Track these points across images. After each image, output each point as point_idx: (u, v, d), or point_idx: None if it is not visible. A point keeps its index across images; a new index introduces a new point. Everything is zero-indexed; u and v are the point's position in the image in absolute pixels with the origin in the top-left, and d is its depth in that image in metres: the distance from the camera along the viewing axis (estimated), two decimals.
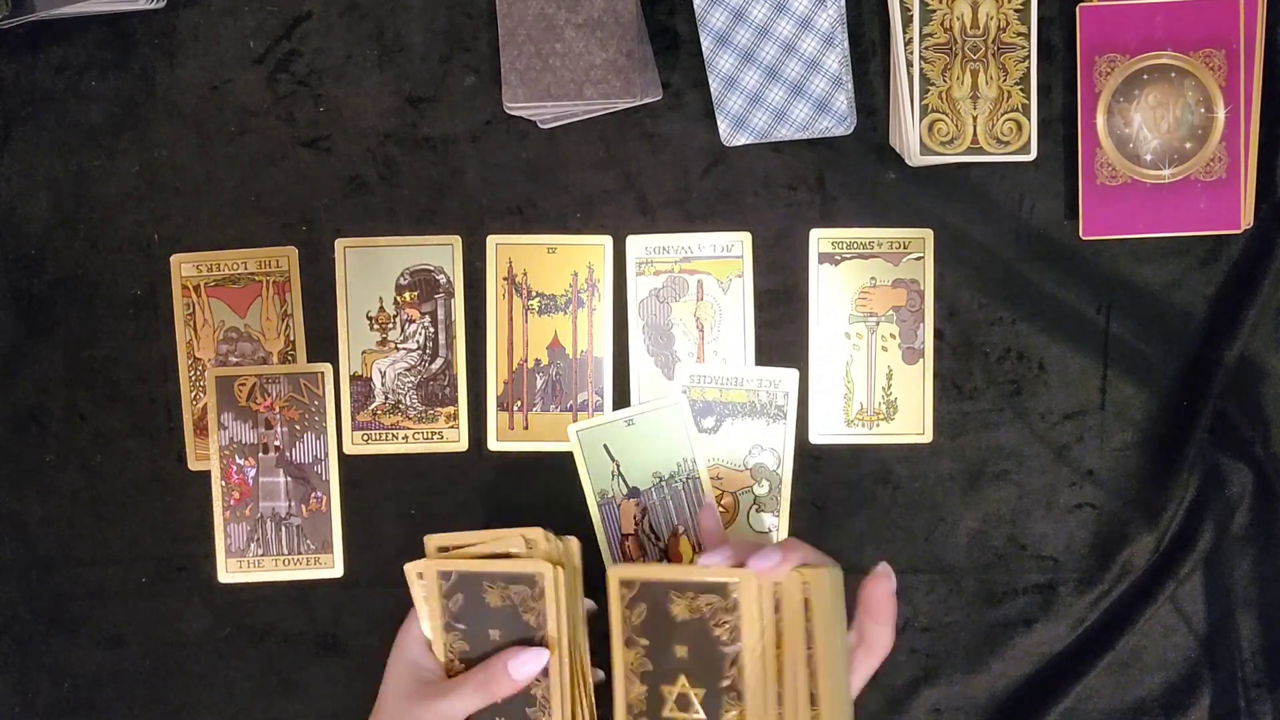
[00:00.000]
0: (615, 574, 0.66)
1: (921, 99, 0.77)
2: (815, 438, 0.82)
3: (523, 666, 0.69)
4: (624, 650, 0.67)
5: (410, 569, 0.72)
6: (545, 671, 0.69)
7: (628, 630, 0.66)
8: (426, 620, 0.72)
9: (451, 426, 0.83)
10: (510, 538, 0.71)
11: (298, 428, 0.82)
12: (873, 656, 0.67)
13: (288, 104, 0.82)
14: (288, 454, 0.83)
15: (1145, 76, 0.78)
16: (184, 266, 0.83)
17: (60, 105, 0.82)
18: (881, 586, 0.66)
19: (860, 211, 0.81)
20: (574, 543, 0.72)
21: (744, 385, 0.82)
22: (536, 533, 0.71)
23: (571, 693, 0.70)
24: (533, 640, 0.70)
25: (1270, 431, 0.81)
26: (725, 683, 0.64)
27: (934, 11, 0.77)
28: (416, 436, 0.83)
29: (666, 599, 0.65)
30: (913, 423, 0.82)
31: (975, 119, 0.78)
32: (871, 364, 0.82)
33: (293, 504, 0.83)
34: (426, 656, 0.72)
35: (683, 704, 0.65)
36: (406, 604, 0.74)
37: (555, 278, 0.82)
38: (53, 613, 0.84)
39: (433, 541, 0.72)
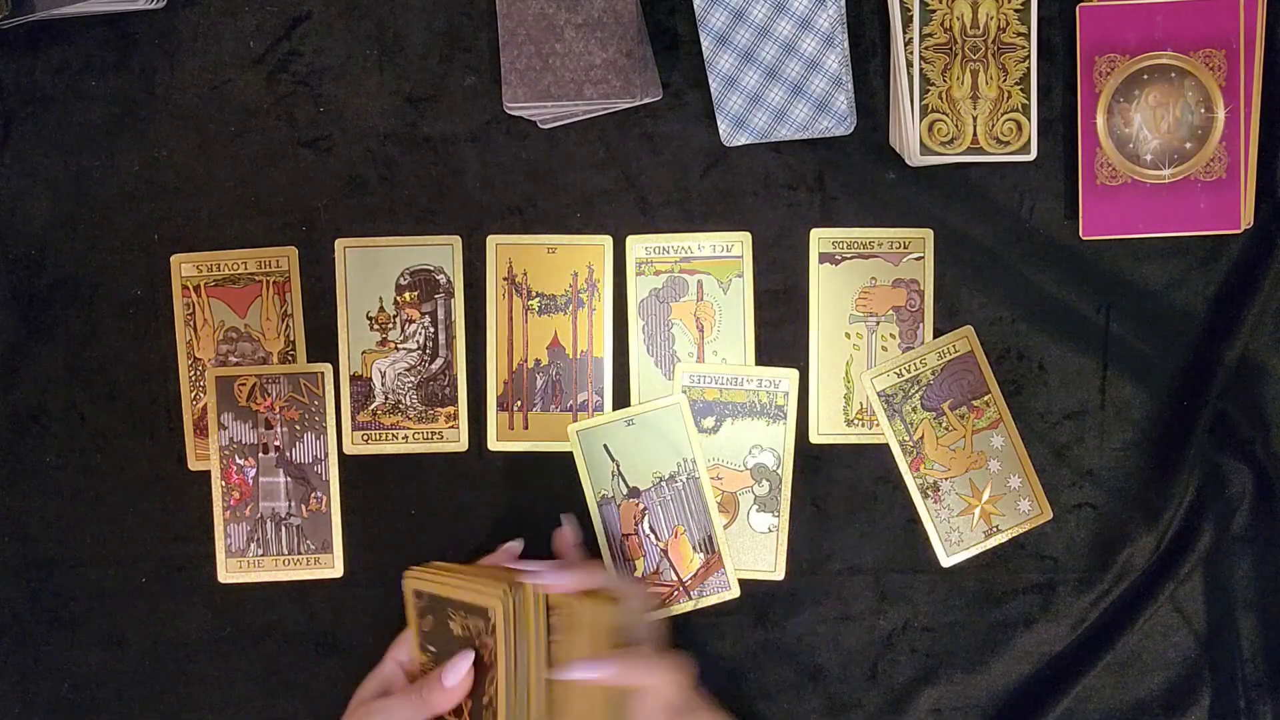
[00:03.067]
0: (409, 584, 0.73)
1: (921, 99, 0.78)
2: (815, 438, 0.82)
3: (451, 674, 0.70)
4: (419, 653, 0.73)
5: (408, 583, 0.74)
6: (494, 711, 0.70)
7: (420, 636, 0.73)
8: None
9: (451, 426, 0.83)
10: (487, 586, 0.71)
11: (298, 428, 0.82)
12: (652, 696, 0.71)
13: (288, 104, 0.82)
14: (288, 454, 0.83)
15: (1145, 76, 0.78)
16: (184, 266, 0.83)
17: (60, 105, 0.82)
18: (598, 676, 0.70)
19: (860, 211, 0.82)
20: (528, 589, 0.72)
21: (744, 385, 0.82)
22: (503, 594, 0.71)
23: None
24: (485, 675, 0.71)
25: (1270, 431, 0.81)
26: (485, 699, 0.70)
27: (934, 11, 0.77)
28: (416, 436, 0.83)
29: (446, 615, 0.71)
30: None
31: (975, 119, 0.78)
32: (871, 364, 0.82)
33: (293, 504, 0.83)
34: (397, 675, 0.75)
35: (456, 712, 0.72)
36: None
37: (555, 278, 0.82)
38: (53, 613, 0.84)
39: (410, 584, 0.74)
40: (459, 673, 0.70)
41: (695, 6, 0.78)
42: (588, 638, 0.69)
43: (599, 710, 0.69)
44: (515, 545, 0.79)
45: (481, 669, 0.70)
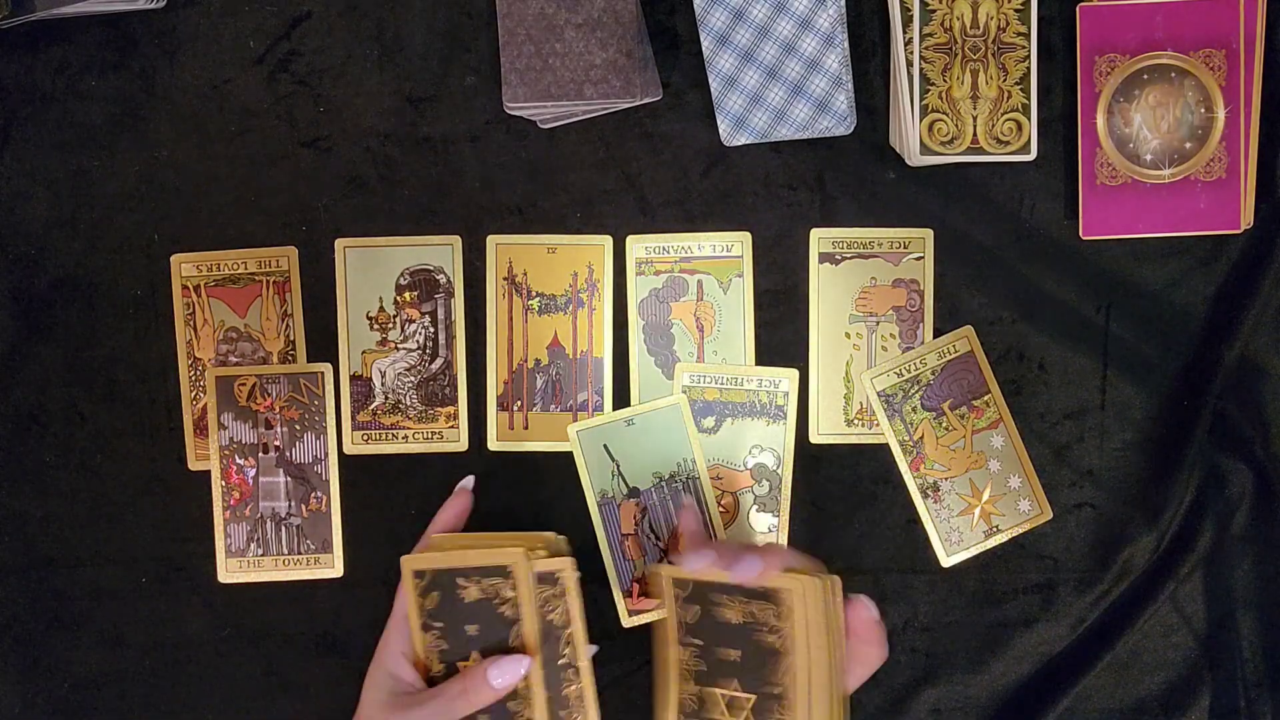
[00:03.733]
0: (669, 573, 0.67)
1: (921, 99, 0.78)
2: (815, 438, 0.82)
3: (502, 675, 0.69)
4: (678, 649, 0.67)
5: (404, 567, 0.72)
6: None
7: (682, 630, 0.67)
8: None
9: (451, 426, 0.83)
10: (503, 550, 0.70)
11: (298, 428, 0.82)
12: (864, 668, 0.69)
13: (288, 104, 0.82)
14: (288, 454, 0.83)
15: (1145, 76, 0.78)
16: (184, 266, 0.83)
17: (60, 105, 0.82)
18: (860, 615, 0.68)
19: (860, 211, 0.82)
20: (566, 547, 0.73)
21: (744, 385, 0.82)
22: (519, 552, 0.70)
23: (550, 684, 0.70)
24: (507, 635, 0.70)
25: (1270, 431, 0.81)
26: (776, 690, 0.65)
27: (934, 11, 0.77)
28: (416, 436, 0.83)
29: (717, 602, 0.65)
30: None
31: (975, 119, 0.78)
32: (871, 364, 0.82)
33: (293, 504, 0.83)
34: (403, 669, 0.72)
35: (733, 707, 0.66)
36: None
37: (555, 278, 0.82)
38: (53, 613, 0.84)
39: (409, 564, 0.72)
40: (513, 676, 0.68)
41: (695, 6, 0.78)
42: (819, 617, 0.65)
43: (821, 680, 0.65)
44: (468, 481, 0.78)
45: (505, 627, 0.69)
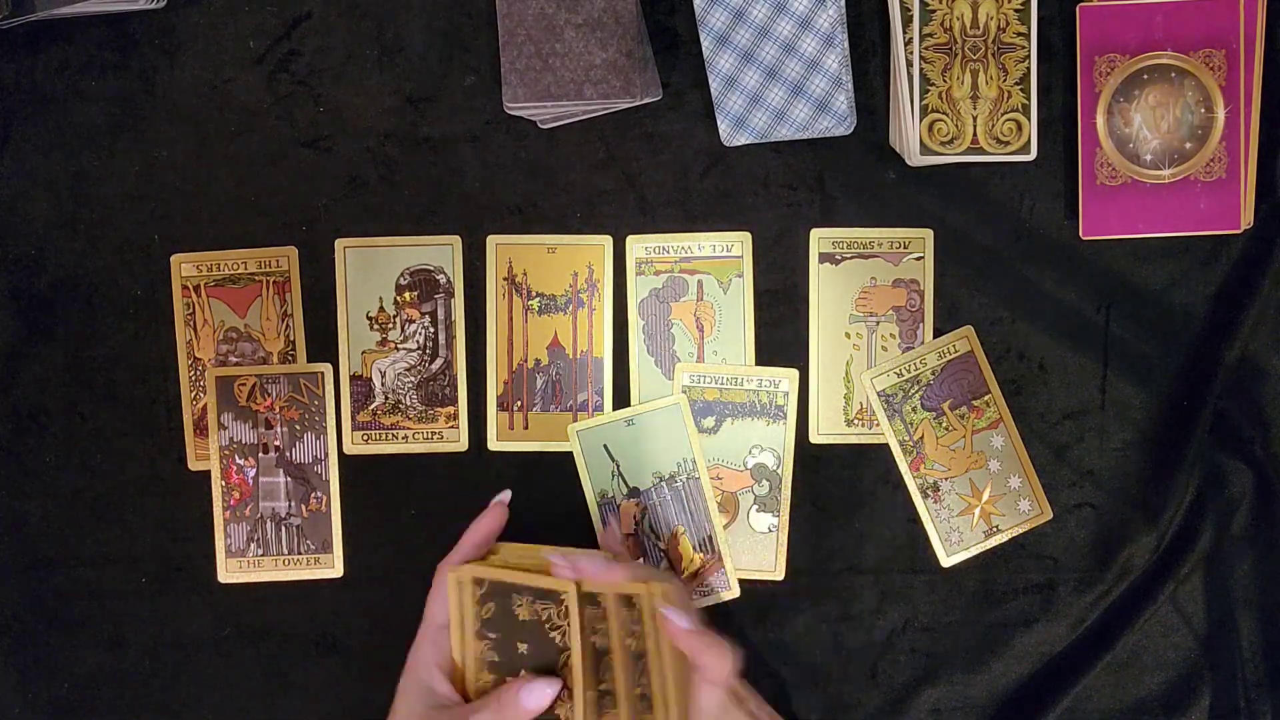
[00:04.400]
0: (468, 574, 0.71)
1: (921, 99, 0.78)
2: (815, 438, 0.82)
3: (532, 696, 0.69)
4: (475, 642, 0.72)
5: (452, 576, 0.72)
6: (570, 694, 0.70)
7: (478, 623, 0.71)
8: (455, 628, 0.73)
9: (451, 426, 0.83)
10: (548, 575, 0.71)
11: (298, 428, 0.82)
12: (708, 681, 0.70)
13: (288, 104, 0.82)
14: (288, 454, 0.83)
15: (1145, 76, 0.78)
16: (184, 266, 0.83)
17: (60, 105, 0.82)
18: (670, 629, 0.69)
19: (860, 211, 0.82)
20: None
21: (744, 385, 0.82)
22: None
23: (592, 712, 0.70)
24: (556, 659, 0.70)
25: (1270, 431, 0.81)
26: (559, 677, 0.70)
27: (934, 11, 0.77)
28: (416, 436, 0.83)
29: (511, 600, 0.70)
30: None
31: (975, 119, 0.78)
32: (871, 364, 0.82)
33: (293, 504, 0.83)
34: (437, 680, 0.72)
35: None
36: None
37: (555, 278, 0.82)
38: (53, 613, 0.84)
39: (469, 573, 0.72)
40: (543, 698, 0.69)
41: (695, 6, 0.78)
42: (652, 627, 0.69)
43: (671, 684, 0.68)
44: (504, 495, 0.78)
45: (554, 652, 0.70)
